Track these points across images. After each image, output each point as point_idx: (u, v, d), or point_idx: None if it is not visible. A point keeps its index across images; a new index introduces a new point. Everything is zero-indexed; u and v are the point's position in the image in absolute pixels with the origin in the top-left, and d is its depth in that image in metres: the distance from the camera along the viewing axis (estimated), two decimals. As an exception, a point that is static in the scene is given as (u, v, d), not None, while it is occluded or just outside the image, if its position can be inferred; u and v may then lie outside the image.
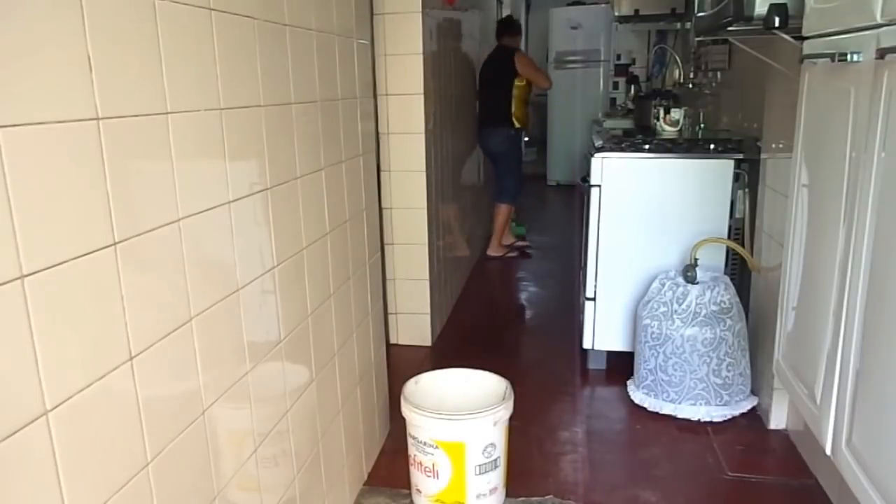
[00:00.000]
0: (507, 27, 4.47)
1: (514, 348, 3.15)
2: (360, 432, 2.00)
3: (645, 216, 2.64)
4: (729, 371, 2.37)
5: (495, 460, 1.86)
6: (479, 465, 1.83)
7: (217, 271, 1.17)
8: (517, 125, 4.33)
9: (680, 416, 2.40)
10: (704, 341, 2.35)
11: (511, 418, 1.91)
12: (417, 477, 1.91)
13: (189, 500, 1.09)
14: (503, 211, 4.50)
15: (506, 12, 7.07)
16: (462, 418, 1.82)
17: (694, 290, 2.40)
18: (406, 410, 1.87)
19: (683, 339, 2.37)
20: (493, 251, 4.61)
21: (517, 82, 4.27)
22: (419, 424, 1.84)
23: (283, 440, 1.45)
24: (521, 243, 4.87)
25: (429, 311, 3.10)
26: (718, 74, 3.41)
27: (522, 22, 8.30)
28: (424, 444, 1.84)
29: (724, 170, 2.57)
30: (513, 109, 4.28)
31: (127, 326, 0.92)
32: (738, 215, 2.58)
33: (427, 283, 3.07)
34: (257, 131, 1.31)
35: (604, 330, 2.78)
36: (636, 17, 4.13)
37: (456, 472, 1.83)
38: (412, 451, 1.90)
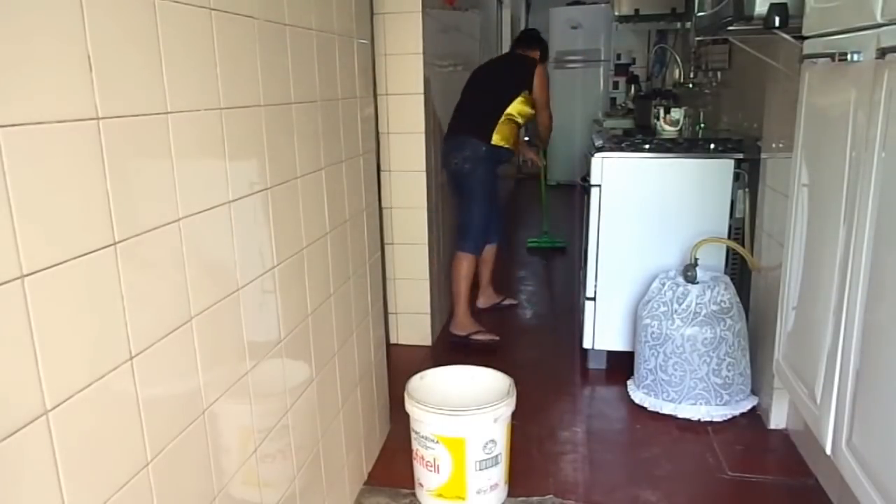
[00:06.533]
0: (529, 40, 3.51)
1: (514, 348, 3.15)
2: (361, 432, 2.00)
3: (645, 216, 2.64)
4: (729, 371, 2.37)
5: (496, 457, 1.87)
6: (480, 461, 1.84)
7: (217, 271, 1.17)
8: (498, 143, 3.14)
9: (680, 415, 2.40)
10: (704, 341, 2.35)
11: (512, 416, 1.91)
12: (420, 471, 1.92)
13: (190, 499, 1.10)
14: (460, 265, 3.16)
15: (506, 12, 7.06)
16: (462, 414, 1.82)
17: (694, 289, 2.40)
18: (409, 405, 1.89)
19: (683, 339, 2.38)
20: (457, 328, 3.20)
21: (522, 98, 3.19)
22: (421, 419, 1.86)
23: (283, 439, 1.45)
24: (507, 301, 3.71)
25: (429, 311, 3.10)
26: (718, 74, 3.41)
27: (522, 22, 8.27)
28: (426, 438, 1.86)
29: (724, 170, 2.57)
30: (498, 125, 3.14)
31: (127, 326, 0.92)
32: (738, 215, 2.58)
33: (427, 283, 3.07)
34: (257, 131, 1.31)
35: (604, 329, 2.78)
36: (636, 17, 4.12)
37: (456, 467, 1.84)
38: (415, 445, 1.91)
